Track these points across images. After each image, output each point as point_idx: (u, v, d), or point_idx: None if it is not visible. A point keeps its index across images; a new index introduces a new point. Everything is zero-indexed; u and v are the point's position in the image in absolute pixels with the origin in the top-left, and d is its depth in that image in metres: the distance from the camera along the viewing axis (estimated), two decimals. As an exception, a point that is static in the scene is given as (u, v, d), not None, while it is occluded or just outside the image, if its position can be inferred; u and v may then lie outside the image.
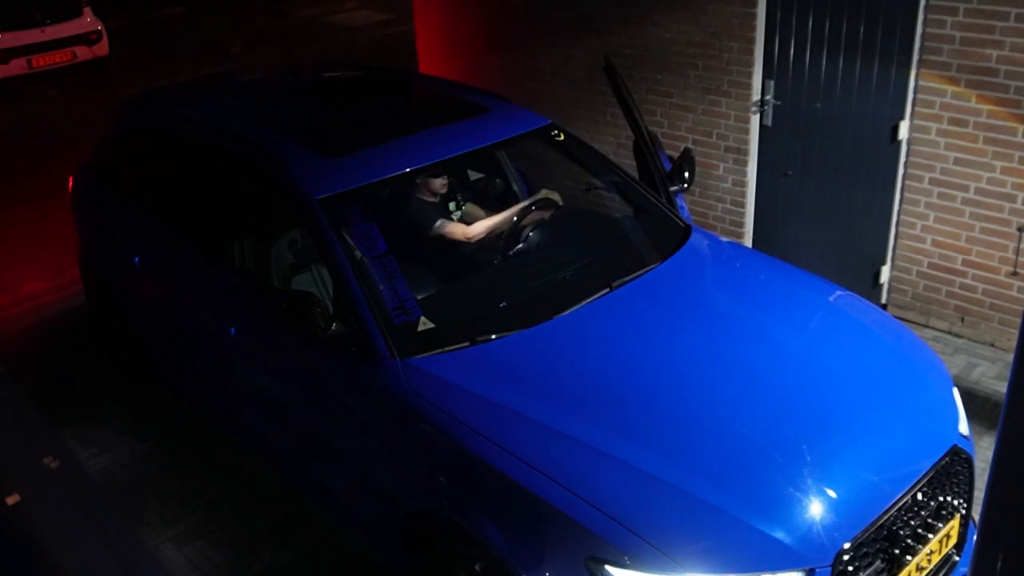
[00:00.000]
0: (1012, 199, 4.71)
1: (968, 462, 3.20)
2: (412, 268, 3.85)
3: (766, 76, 5.45)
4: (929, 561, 3.04)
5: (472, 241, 4.15)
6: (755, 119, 5.59)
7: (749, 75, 5.48)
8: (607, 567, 2.71)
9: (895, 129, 5.02)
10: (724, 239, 4.43)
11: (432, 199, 4.28)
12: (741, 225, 5.89)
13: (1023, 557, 1.35)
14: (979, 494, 3.18)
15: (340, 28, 14.31)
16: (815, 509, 2.82)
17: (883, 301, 5.41)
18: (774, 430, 3.03)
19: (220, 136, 4.23)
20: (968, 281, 5.02)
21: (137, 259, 4.68)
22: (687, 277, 3.87)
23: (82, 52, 11.72)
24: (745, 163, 5.71)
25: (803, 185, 5.52)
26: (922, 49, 4.78)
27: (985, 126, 4.68)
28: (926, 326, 5.26)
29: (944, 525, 3.04)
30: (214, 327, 4.15)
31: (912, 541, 2.93)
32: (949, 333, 5.19)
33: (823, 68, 5.18)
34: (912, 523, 2.96)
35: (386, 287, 3.49)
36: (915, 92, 4.88)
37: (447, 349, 3.36)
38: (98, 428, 4.94)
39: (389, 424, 3.35)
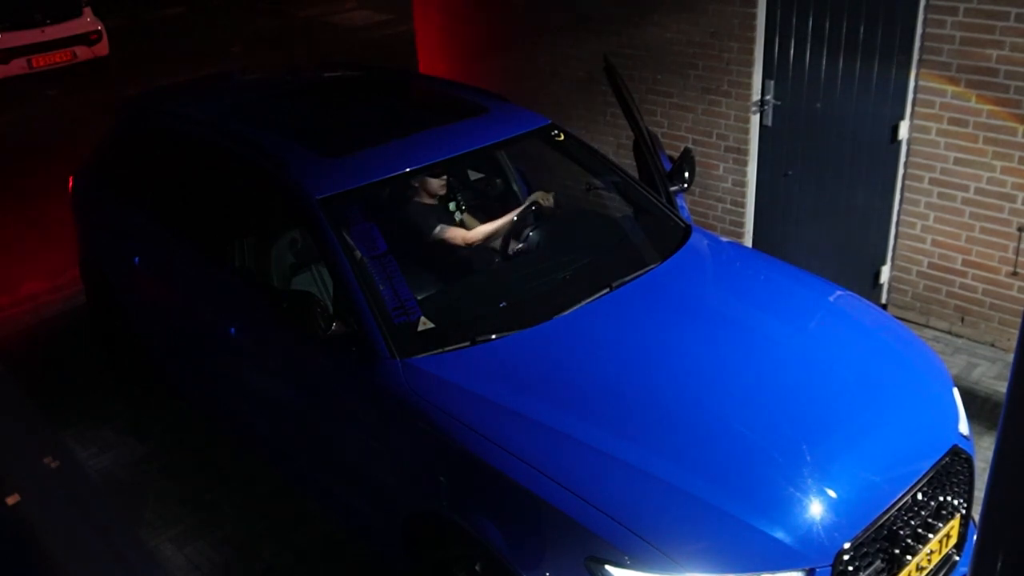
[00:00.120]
0: (1012, 199, 4.71)
1: (968, 462, 3.20)
2: (412, 268, 3.85)
3: (766, 76, 5.45)
4: (929, 561, 3.04)
5: (471, 244, 4.16)
6: (755, 119, 5.59)
7: (749, 75, 5.48)
8: (607, 567, 2.71)
9: (895, 129, 5.02)
10: (724, 239, 4.43)
11: (431, 201, 4.28)
12: (741, 225, 5.89)
13: (1023, 557, 1.35)
14: (979, 494, 3.17)
15: (340, 28, 14.31)
16: (815, 509, 2.82)
17: (883, 301, 5.41)
18: (774, 430, 3.03)
19: (220, 136, 4.23)
20: (968, 281, 5.02)
21: (137, 259, 4.68)
22: (687, 277, 3.87)
23: (82, 52, 11.72)
24: (745, 163, 5.71)
25: (803, 185, 5.52)
26: (922, 49, 4.78)
27: (985, 126, 4.68)
28: (926, 326, 5.26)
29: (944, 525, 3.04)
30: (214, 327, 4.15)
31: (912, 541, 2.93)
32: (949, 333, 5.19)
33: (823, 68, 5.18)
34: (912, 523, 2.96)
35: (386, 287, 3.49)
36: (915, 92, 4.88)
37: (447, 349, 3.36)
38: (98, 428, 4.94)
39: (389, 424, 3.35)
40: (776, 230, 5.78)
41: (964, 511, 3.15)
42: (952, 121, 4.79)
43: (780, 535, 2.74)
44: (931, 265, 5.14)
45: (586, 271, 3.85)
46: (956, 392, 3.45)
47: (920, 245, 5.14)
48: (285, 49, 13.02)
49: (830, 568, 2.74)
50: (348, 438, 3.57)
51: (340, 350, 3.44)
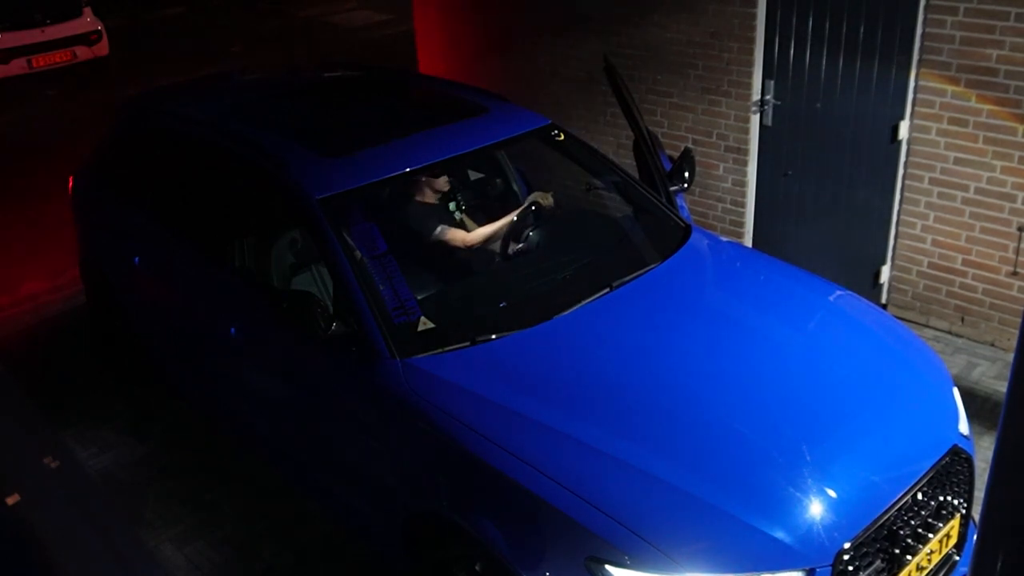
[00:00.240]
0: (1012, 199, 4.71)
1: (968, 462, 3.20)
2: (412, 268, 3.85)
3: (766, 76, 5.45)
4: (929, 561, 3.04)
5: (471, 247, 4.16)
6: (755, 119, 5.59)
7: (749, 75, 5.48)
8: (607, 567, 2.71)
9: (895, 129, 5.02)
10: (724, 239, 4.43)
11: (432, 201, 4.28)
12: (741, 225, 5.89)
13: (1023, 557, 1.35)
14: (979, 494, 3.17)
15: (340, 28, 14.31)
16: (815, 509, 2.82)
17: (883, 301, 5.41)
18: (774, 430, 3.03)
19: (220, 136, 4.23)
20: (968, 281, 5.02)
21: (137, 259, 4.68)
22: (687, 277, 3.87)
23: (82, 52, 11.72)
24: (745, 163, 5.71)
25: (803, 185, 5.51)
26: (922, 49, 4.78)
27: (985, 126, 4.68)
28: (926, 326, 5.26)
29: (944, 525, 3.04)
30: (214, 327, 4.15)
31: (912, 541, 2.93)
32: (949, 333, 5.19)
33: (823, 68, 5.18)
34: (912, 523, 2.96)
35: (386, 287, 3.49)
36: (915, 92, 4.88)
37: (447, 349, 3.36)
38: (98, 428, 4.94)
39: (389, 424, 3.35)
40: (776, 230, 5.78)
41: (964, 511, 3.15)
42: (952, 121, 4.79)
43: (780, 535, 2.74)
44: (931, 265, 5.14)
45: (586, 271, 3.85)
46: (956, 392, 3.45)
47: (920, 245, 5.14)
48: (285, 49, 13.02)
49: (830, 568, 2.74)
50: (348, 438, 3.57)
51: (340, 350, 3.44)
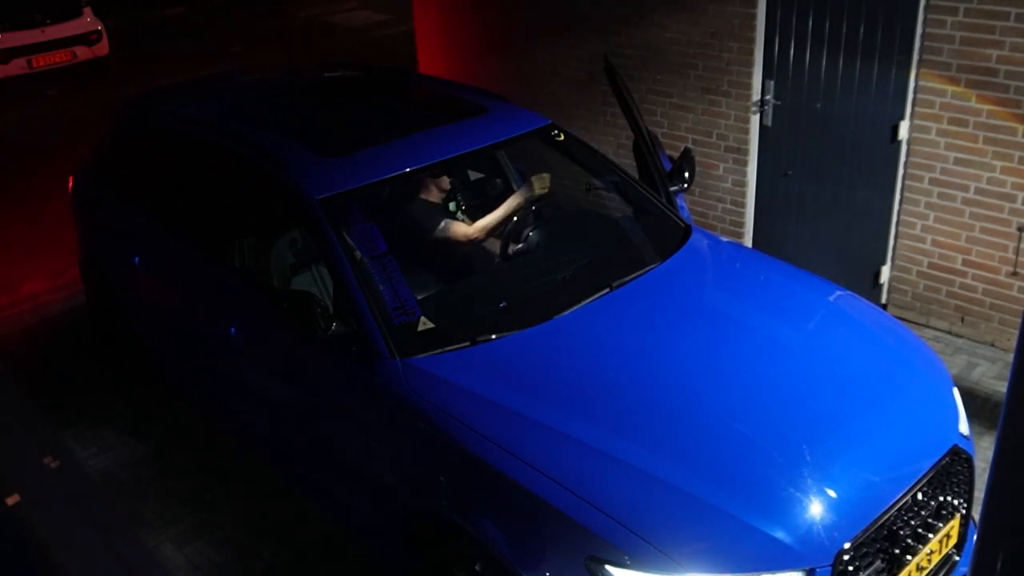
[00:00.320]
0: (1012, 199, 4.71)
1: (968, 462, 3.20)
2: (412, 268, 3.85)
3: (766, 76, 5.45)
4: (929, 561, 3.04)
5: (473, 240, 4.16)
6: (755, 119, 5.59)
7: (749, 75, 5.48)
8: (607, 567, 2.71)
9: (895, 129, 5.02)
10: (724, 239, 4.43)
11: (436, 199, 4.29)
12: (741, 225, 5.89)
13: (1023, 557, 1.35)
14: (979, 494, 3.17)
15: (340, 28, 14.31)
16: (815, 509, 2.82)
17: (883, 301, 5.41)
18: (774, 430, 3.03)
19: (220, 136, 4.23)
20: (968, 281, 5.02)
21: (137, 259, 4.68)
22: (687, 277, 3.87)
23: (82, 52, 11.72)
24: (745, 163, 5.71)
25: (803, 185, 5.52)
26: (922, 49, 4.78)
27: (985, 126, 4.68)
28: (926, 326, 5.26)
29: (944, 525, 3.04)
30: (214, 327, 4.15)
31: (912, 541, 2.93)
32: (949, 333, 5.19)
33: (823, 68, 5.18)
34: (912, 523, 2.96)
35: (386, 287, 3.49)
36: (915, 92, 4.88)
37: (447, 349, 3.36)
38: (98, 428, 4.94)
39: (389, 424, 3.35)
40: (776, 230, 5.78)
41: (964, 511, 3.15)
42: (952, 121, 4.79)
43: (780, 535, 2.74)
44: (931, 265, 5.14)
45: (586, 271, 3.85)
46: (956, 392, 3.45)
47: (920, 245, 5.14)
48: (285, 49, 13.02)
49: (830, 568, 2.74)
50: (348, 438, 3.57)
51: (340, 350, 3.44)
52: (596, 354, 3.40)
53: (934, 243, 5.08)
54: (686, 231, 4.10)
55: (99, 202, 5.14)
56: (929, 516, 3.01)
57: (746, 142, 5.65)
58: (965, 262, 4.99)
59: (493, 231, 4.18)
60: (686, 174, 4.37)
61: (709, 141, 5.85)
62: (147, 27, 14.62)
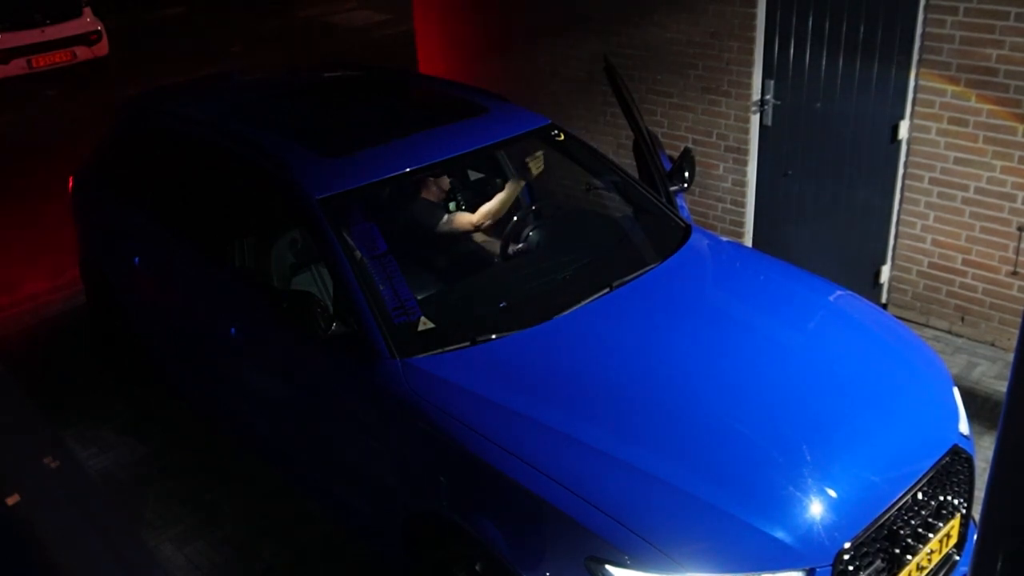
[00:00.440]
0: (1012, 198, 4.71)
1: (968, 462, 3.20)
2: (412, 268, 3.85)
3: (766, 76, 5.45)
4: (929, 560, 3.04)
5: (479, 226, 4.18)
6: (755, 119, 5.59)
7: (749, 75, 5.48)
8: (607, 567, 2.71)
9: (895, 129, 5.02)
10: (724, 239, 4.43)
11: (437, 199, 4.29)
12: (741, 225, 5.89)
13: (1023, 557, 1.35)
14: (979, 494, 3.17)
15: (340, 28, 14.31)
16: (815, 509, 2.82)
17: (883, 301, 5.41)
18: (774, 430, 3.03)
19: (220, 136, 4.23)
20: (968, 280, 5.02)
21: (137, 259, 4.68)
22: (687, 277, 3.87)
23: (82, 52, 11.72)
24: (745, 163, 5.71)
25: (803, 185, 5.52)
26: (922, 49, 4.78)
27: (985, 125, 4.68)
28: (926, 326, 5.26)
29: (944, 524, 3.04)
30: (214, 327, 4.15)
31: (912, 540, 2.93)
32: (949, 333, 5.19)
33: (823, 68, 5.18)
34: (912, 522, 2.96)
35: (386, 287, 3.49)
36: (915, 92, 4.88)
37: (447, 349, 3.36)
38: (98, 428, 4.94)
39: (389, 424, 3.35)
40: (776, 230, 5.78)
41: (964, 511, 3.15)
42: (952, 121, 4.79)
43: (780, 535, 2.74)
44: (931, 265, 5.14)
45: (586, 271, 3.85)
46: (956, 392, 3.45)
47: (920, 245, 5.14)
48: (285, 49, 13.02)
49: (830, 568, 2.74)
50: (348, 438, 3.57)
51: (340, 350, 3.44)
52: (596, 354, 3.40)
53: (934, 243, 5.08)
54: (686, 231, 4.10)
55: (99, 202, 5.14)
56: (929, 516, 3.01)
57: (746, 142, 5.65)
58: (965, 262, 4.99)
59: (497, 215, 4.19)
60: (686, 174, 4.37)
61: (709, 141, 5.85)
62: (147, 27, 14.61)
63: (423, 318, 3.45)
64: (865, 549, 2.84)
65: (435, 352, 3.34)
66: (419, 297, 3.63)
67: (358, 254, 3.59)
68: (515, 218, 4.15)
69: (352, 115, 4.51)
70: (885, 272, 5.38)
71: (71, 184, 5.39)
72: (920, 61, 4.81)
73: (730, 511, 2.77)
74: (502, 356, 3.36)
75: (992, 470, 1.36)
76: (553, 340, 3.43)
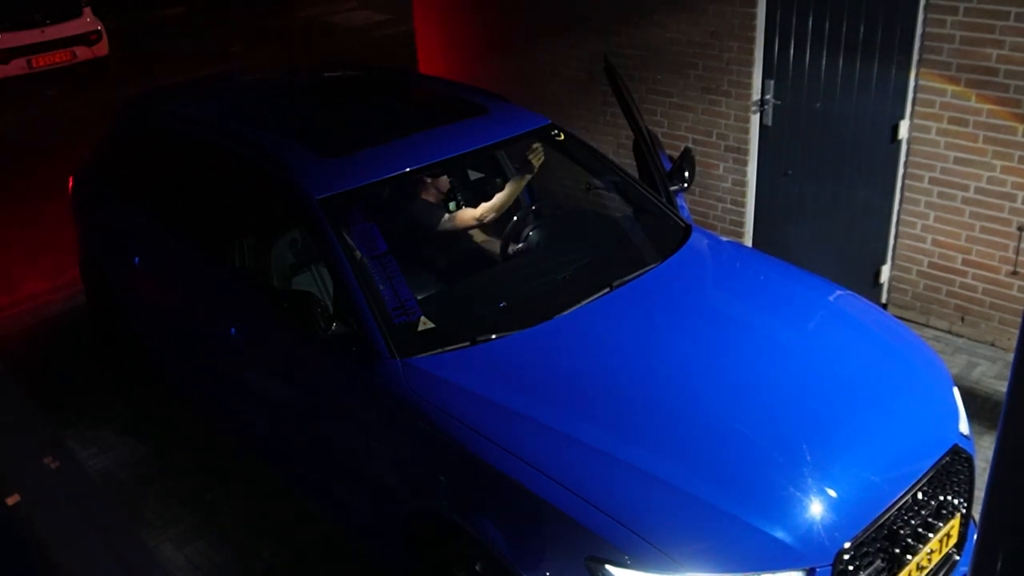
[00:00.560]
0: (1012, 198, 4.71)
1: (968, 462, 3.20)
2: (412, 268, 3.85)
3: (766, 76, 5.45)
4: (929, 560, 3.04)
5: (482, 220, 4.18)
6: (755, 119, 5.59)
7: (749, 75, 5.48)
8: (607, 567, 2.71)
9: (895, 129, 5.02)
10: (724, 239, 4.43)
11: (436, 199, 4.29)
12: (741, 225, 5.89)
13: (1023, 557, 1.35)
14: (979, 494, 3.17)
15: (340, 28, 14.31)
16: (815, 509, 2.82)
17: (883, 301, 5.41)
18: (774, 430, 3.03)
19: (220, 136, 4.23)
20: (968, 280, 5.02)
21: (137, 259, 4.68)
22: (687, 277, 3.87)
23: (82, 52, 11.72)
24: (745, 163, 5.71)
25: (803, 185, 5.52)
26: (922, 49, 4.78)
27: (985, 125, 4.68)
28: (926, 325, 5.26)
29: (944, 524, 3.04)
30: (214, 327, 4.15)
31: (912, 540, 2.93)
32: (949, 332, 5.19)
33: (823, 68, 5.18)
34: (912, 522, 2.96)
35: (386, 287, 3.49)
36: (915, 92, 4.88)
37: (447, 349, 3.36)
38: (98, 428, 4.94)
39: (389, 424, 3.35)
40: (776, 230, 5.78)
41: (964, 511, 3.15)
42: (952, 120, 4.79)
43: (780, 535, 2.74)
44: (931, 264, 5.14)
45: (586, 271, 3.85)
46: (956, 391, 3.45)
47: (920, 244, 5.14)
48: (285, 49, 13.01)
49: (830, 568, 2.74)
50: (348, 438, 3.57)
51: (340, 350, 3.44)
52: (596, 354, 3.40)
53: (934, 243, 5.08)
54: (686, 231, 4.10)
55: (99, 202, 5.14)
56: (929, 515, 3.01)
57: (746, 142, 5.65)
58: (965, 261, 4.99)
59: (500, 210, 4.20)
60: (686, 174, 4.37)
61: (709, 141, 5.85)
62: (147, 27, 14.61)
63: (423, 318, 3.45)
64: (865, 549, 2.84)
65: (435, 352, 3.35)
66: (419, 297, 3.63)
67: (358, 254, 3.59)
68: (515, 218, 4.15)
69: (352, 115, 4.51)
70: (885, 272, 5.38)
71: (71, 184, 5.39)
72: (920, 61, 4.81)
73: (730, 511, 2.77)
74: (502, 356, 3.36)
75: (992, 470, 1.36)
76: (553, 340, 3.43)
